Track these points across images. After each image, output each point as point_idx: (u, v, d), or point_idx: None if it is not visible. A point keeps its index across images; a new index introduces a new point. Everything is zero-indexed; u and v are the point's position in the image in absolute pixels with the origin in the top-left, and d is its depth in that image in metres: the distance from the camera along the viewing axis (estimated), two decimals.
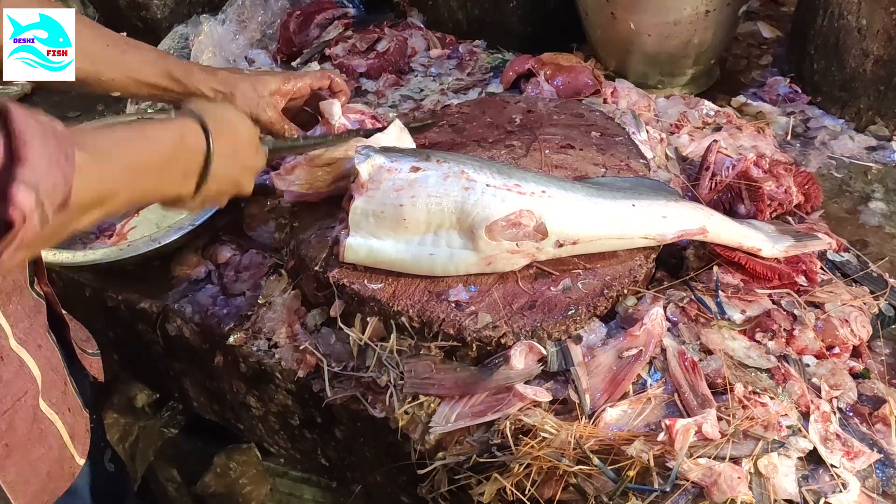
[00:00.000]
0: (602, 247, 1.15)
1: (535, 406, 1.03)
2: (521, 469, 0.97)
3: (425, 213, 1.09)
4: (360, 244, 1.12)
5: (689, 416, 0.98)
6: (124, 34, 1.15)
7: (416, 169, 1.10)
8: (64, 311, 1.06)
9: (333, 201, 1.24)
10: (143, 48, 1.17)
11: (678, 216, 1.16)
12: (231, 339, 1.28)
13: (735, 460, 0.94)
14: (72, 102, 2.03)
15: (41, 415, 0.90)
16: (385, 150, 1.13)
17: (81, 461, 0.98)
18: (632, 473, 0.94)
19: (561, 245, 1.10)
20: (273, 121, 1.24)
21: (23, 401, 0.86)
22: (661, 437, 0.95)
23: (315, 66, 1.94)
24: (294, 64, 1.99)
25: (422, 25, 2.05)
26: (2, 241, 0.59)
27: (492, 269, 1.12)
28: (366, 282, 1.14)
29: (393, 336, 1.13)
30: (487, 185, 1.08)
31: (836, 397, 1.03)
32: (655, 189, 1.23)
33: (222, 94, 1.19)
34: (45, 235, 0.65)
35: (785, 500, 0.91)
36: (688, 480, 0.92)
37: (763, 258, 1.18)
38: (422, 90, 1.82)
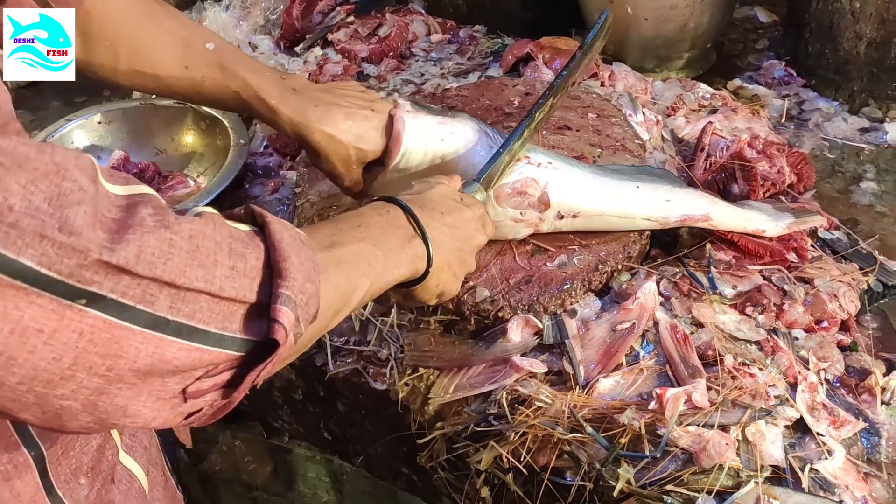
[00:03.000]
0: (603, 224, 1.17)
1: (530, 377, 1.07)
2: (517, 437, 1.00)
3: None
4: None
5: (679, 386, 1.01)
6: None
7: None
8: None
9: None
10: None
11: (682, 201, 1.18)
12: None
13: (723, 428, 0.97)
14: (78, 88, 2.06)
15: None
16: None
17: None
18: (624, 441, 0.97)
19: (562, 217, 1.13)
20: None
21: None
22: (652, 405, 0.98)
23: (318, 51, 1.97)
24: (297, 49, 2.01)
25: (423, 11, 2.07)
26: (264, 361, 0.58)
27: (495, 236, 1.14)
28: None
29: (393, 310, 1.17)
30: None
31: (823, 369, 1.06)
32: (661, 176, 1.26)
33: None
34: (296, 349, 0.65)
35: (771, 466, 0.94)
36: (677, 447, 0.95)
37: (766, 238, 1.21)
38: (422, 74, 1.84)
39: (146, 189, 0.54)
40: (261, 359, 0.58)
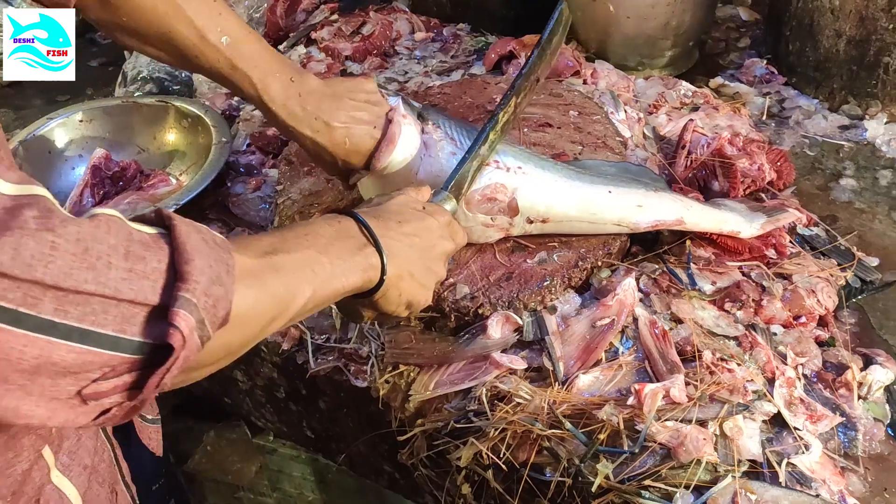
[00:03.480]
0: (573, 228, 1.17)
1: (510, 373, 1.07)
2: (497, 434, 1.00)
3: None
4: None
5: (658, 381, 1.02)
6: None
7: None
8: None
9: (318, 176, 1.26)
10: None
11: (654, 206, 1.17)
12: None
13: (701, 423, 0.97)
14: (60, 87, 2.06)
15: None
16: None
17: None
18: (602, 436, 0.97)
19: (531, 222, 1.13)
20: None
21: None
22: (631, 401, 0.99)
23: (301, 49, 1.96)
24: (280, 48, 2.01)
25: (406, 9, 2.07)
26: (163, 366, 0.56)
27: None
28: None
29: None
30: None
31: (801, 364, 1.07)
32: (640, 176, 1.24)
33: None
34: (215, 354, 0.64)
35: (749, 461, 0.95)
36: (656, 442, 0.96)
37: (746, 239, 1.21)
38: (406, 73, 1.84)
39: (39, 190, 0.53)
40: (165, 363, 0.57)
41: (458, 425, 1.04)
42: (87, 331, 0.52)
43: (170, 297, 0.56)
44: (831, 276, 1.19)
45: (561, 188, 1.14)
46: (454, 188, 1.04)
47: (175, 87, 1.81)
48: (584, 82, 1.63)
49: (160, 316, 0.55)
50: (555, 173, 1.15)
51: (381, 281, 0.84)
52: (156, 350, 0.56)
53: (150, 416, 1.00)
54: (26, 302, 0.49)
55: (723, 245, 1.22)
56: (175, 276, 0.57)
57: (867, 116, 1.57)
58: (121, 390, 0.56)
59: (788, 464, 0.95)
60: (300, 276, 0.73)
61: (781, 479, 0.93)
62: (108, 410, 0.57)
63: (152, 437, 1.00)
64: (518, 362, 1.07)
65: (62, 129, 1.62)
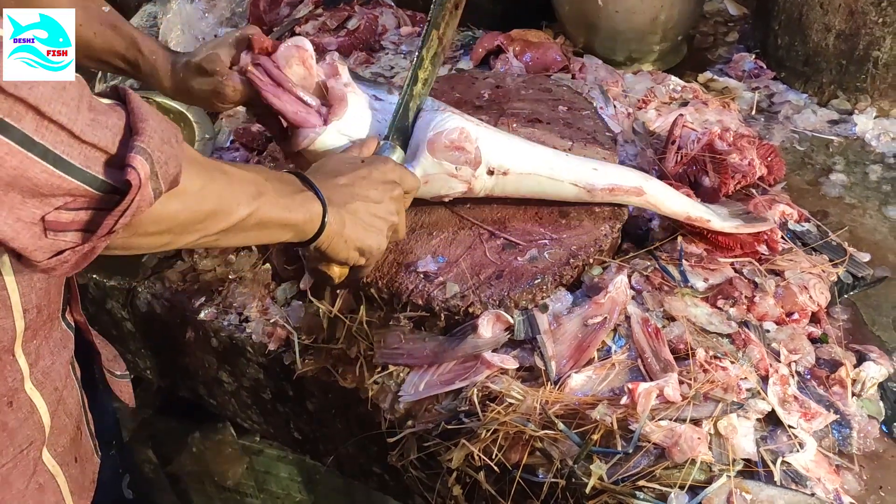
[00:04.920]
0: (533, 185, 1.17)
1: (502, 373, 1.05)
2: (489, 435, 0.99)
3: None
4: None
5: (651, 380, 1.01)
6: None
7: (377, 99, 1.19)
8: (94, 335, 1.01)
9: None
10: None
11: (611, 172, 1.19)
12: (202, 315, 1.28)
13: (695, 422, 0.96)
14: None
15: (42, 468, 0.83)
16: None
17: None
18: (596, 437, 0.96)
19: (492, 173, 1.14)
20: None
21: (25, 453, 0.80)
22: (624, 400, 0.97)
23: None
24: None
25: (392, 3, 2.05)
26: (118, 207, 0.63)
27: (428, 189, 1.13)
28: None
29: (362, 308, 1.15)
30: (436, 110, 1.15)
31: (794, 361, 1.06)
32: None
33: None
34: (160, 223, 0.70)
35: (743, 460, 0.94)
36: (650, 442, 0.94)
37: (714, 230, 1.20)
38: (392, 67, 1.82)
39: None
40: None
41: (448, 426, 1.03)
42: (60, 157, 0.59)
43: (127, 147, 0.63)
44: (823, 272, 1.18)
45: (521, 145, 1.19)
46: (398, 135, 1.12)
47: None
48: (573, 77, 1.62)
49: (118, 165, 0.63)
50: (516, 136, 1.21)
51: (323, 224, 0.90)
52: (113, 195, 0.63)
53: (118, 372, 1.06)
54: (12, 114, 0.56)
55: (714, 241, 1.21)
56: (131, 132, 0.64)
57: (856, 111, 1.56)
58: (77, 227, 0.63)
59: (783, 462, 0.94)
60: (245, 188, 0.81)
61: (776, 478, 0.92)
62: (62, 253, 0.63)
63: (123, 390, 1.07)
64: (509, 362, 1.05)
65: None
